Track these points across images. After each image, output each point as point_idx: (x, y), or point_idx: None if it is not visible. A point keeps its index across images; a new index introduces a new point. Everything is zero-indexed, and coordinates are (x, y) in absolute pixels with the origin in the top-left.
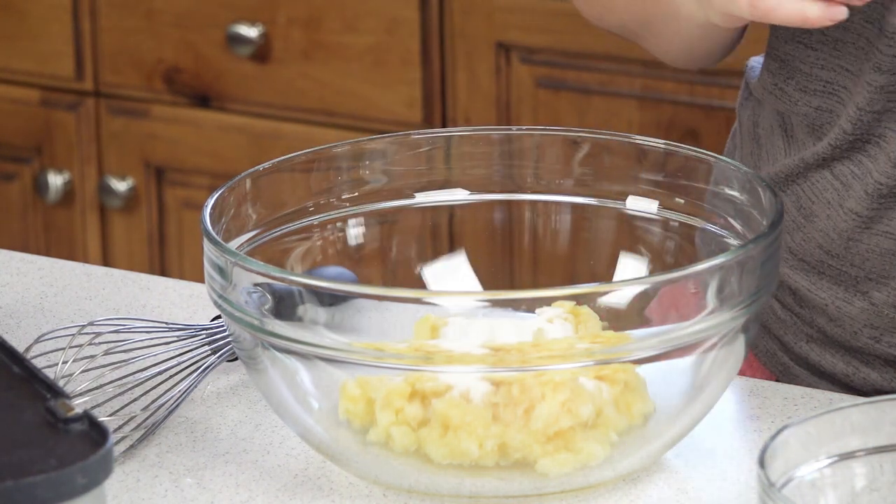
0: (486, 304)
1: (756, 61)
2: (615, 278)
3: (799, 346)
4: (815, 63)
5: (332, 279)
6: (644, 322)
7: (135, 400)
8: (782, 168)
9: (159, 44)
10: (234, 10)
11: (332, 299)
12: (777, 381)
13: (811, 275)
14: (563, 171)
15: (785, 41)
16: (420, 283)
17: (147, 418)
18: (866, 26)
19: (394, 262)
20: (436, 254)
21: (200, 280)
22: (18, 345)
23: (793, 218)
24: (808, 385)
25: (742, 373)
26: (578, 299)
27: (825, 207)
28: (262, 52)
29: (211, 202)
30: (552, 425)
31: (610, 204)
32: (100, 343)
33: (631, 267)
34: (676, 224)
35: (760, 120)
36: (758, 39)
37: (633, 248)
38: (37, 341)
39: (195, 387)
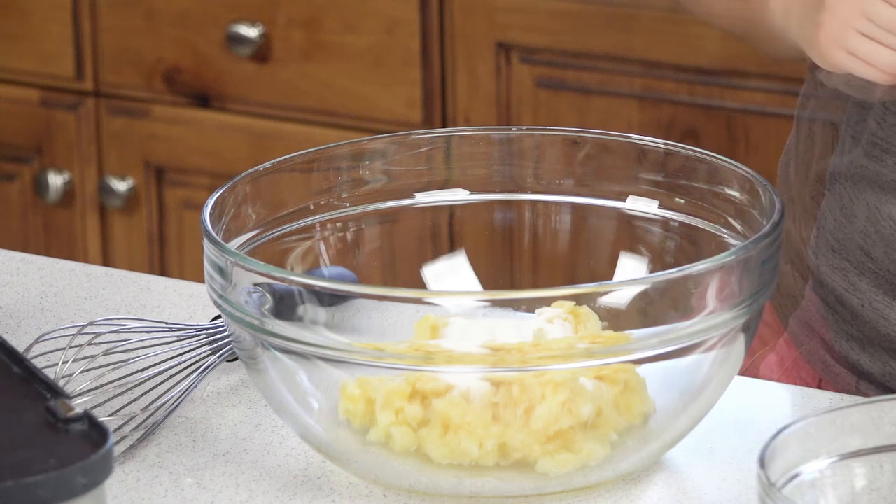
0: (486, 304)
1: None
2: (615, 278)
3: (839, 345)
4: None
5: (332, 279)
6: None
7: (135, 400)
8: (828, 166)
9: (159, 44)
10: (234, 10)
11: (332, 299)
12: (820, 380)
13: (851, 275)
14: (563, 171)
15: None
16: (420, 283)
17: (147, 418)
18: None
19: (394, 262)
20: (436, 254)
21: (200, 280)
22: (18, 345)
23: (835, 217)
24: (847, 384)
25: (787, 371)
26: (578, 299)
27: (864, 209)
28: (262, 52)
29: (211, 202)
30: (552, 425)
31: (610, 204)
32: (100, 343)
33: (631, 267)
34: (676, 224)
35: (818, 117)
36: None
37: (633, 248)
38: (37, 341)
39: (195, 387)
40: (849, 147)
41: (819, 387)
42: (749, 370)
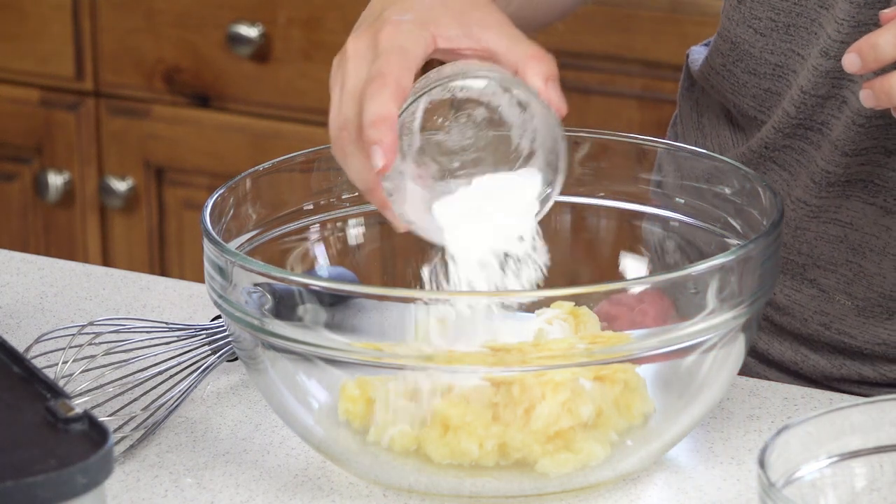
0: (487, 304)
1: (698, 52)
2: (615, 278)
3: None
4: (764, 48)
5: (332, 279)
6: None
7: (135, 400)
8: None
9: (159, 44)
10: (234, 10)
11: (332, 299)
12: None
13: None
14: None
15: (736, 24)
16: (420, 284)
17: (147, 418)
18: (820, 11)
19: (394, 262)
20: (436, 254)
21: (200, 280)
22: (18, 345)
23: None
24: (757, 373)
25: None
26: (578, 299)
27: None
28: (262, 52)
29: (211, 202)
30: (552, 425)
31: (610, 204)
32: (100, 343)
33: (631, 267)
34: (676, 224)
35: (704, 109)
36: (700, 31)
37: (633, 248)
38: (37, 341)
39: (195, 387)
40: (751, 134)
41: None
42: None
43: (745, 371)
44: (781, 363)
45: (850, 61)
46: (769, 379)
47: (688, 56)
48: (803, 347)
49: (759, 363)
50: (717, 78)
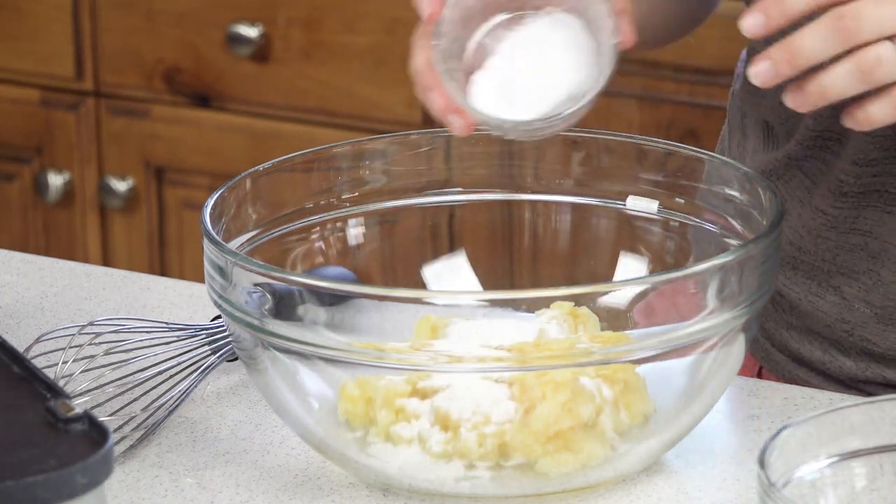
0: (486, 304)
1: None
2: (615, 278)
3: (779, 333)
4: None
5: (332, 279)
6: (636, 322)
7: (135, 400)
8: (760, 163)
9: (159, 44)
10: (234, 10)
11: (332, 299)
12: (760, 368)
13: (786, 269)
14: (563, 171)
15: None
16: (420, 283)
17: (147, 418)
18: None
19: (394, 262)
20: (436, 254)
21: (200, 280)
22: (18, 345)
23: None
24: (787, 371)
25: None
26: (578, 299)
27: (797, 205)
28: (262, 52)
29: (211, 202)
30: (552, 425)
31: (610, 204)
32: (100, 343)
33: (631, 267)
34: (676, 224)
35: (748, 111)
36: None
37: (633, 248)
38: (37, 341)
39: (195, 387)
40: (781, 143)
41: (759, 375)
42: None
43: (775, 368)
44: (811, 363)
45: (753, 24)
46: (799, 377)
47: (741, 56)
48: (832, 349)
49: (790, 361)
50: (747, 96)
